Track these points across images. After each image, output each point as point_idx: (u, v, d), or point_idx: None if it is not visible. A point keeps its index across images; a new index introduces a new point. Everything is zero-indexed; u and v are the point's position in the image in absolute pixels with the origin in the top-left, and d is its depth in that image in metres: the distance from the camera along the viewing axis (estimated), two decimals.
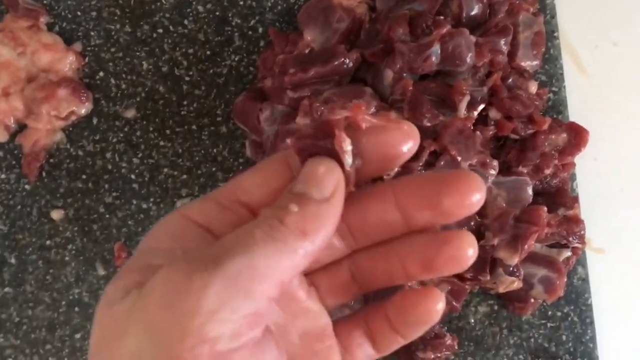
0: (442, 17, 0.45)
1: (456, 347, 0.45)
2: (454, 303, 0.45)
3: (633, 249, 0.48)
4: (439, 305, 0.28)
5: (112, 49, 0.50)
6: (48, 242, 0.48)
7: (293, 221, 0.25)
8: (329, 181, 0.26)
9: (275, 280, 0.25)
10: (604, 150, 0.49)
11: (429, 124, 0.43)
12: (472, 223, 0.45)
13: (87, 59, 0.50)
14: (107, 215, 0.48)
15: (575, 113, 0.49)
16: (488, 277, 0.44)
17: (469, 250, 0.27)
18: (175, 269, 0.25)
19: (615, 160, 0.49)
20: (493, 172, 0.44)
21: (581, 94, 0.50)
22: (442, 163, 0.43)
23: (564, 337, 0.46)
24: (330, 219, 0.26)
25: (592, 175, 0.49)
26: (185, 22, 0.50)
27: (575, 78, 0.50)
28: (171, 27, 0.50)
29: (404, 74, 0.44)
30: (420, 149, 0.43)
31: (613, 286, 0.48)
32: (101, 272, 0.48)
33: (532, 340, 0.46)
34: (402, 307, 0.29)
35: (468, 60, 0.44)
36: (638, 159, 0.49)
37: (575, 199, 0.46)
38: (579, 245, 0.45)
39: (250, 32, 0.50)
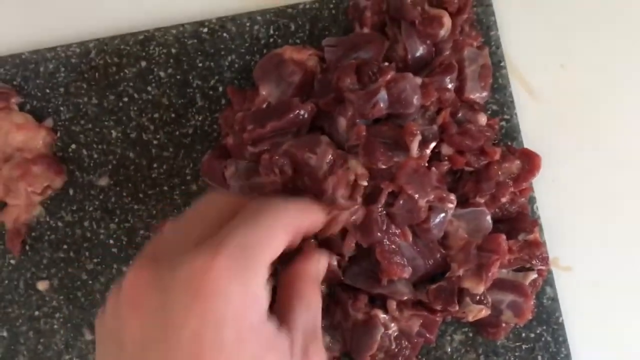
0: (387, 64, 0.47)
1: None
2: (428, 335, 0.47)
3: (598, 264, 0.49)
4: None
5: (82, 122, 0.52)
6: (37, 313, 0.50)
7: None
8: None
9: None
10: (562, 170, 0.51)
11: (384, 167, 0.45)
12: (438, 255, 0.47)
13: (58, 133, 0.52)
14: (90, 282, 0.50)
15: (531, 137, 0.51)
16: (457, 308, 0.45)
17: None
18: None
19: (573, 179, 0.50)
20: (451, 205, 0.45)
21: (534, 118, 0.51)
22: (400, 202, 0.45)
23: (539, 358, 0.47)
24: None
25: (552, 196, 0.50)
26: (149, 88, 0.52)
27: (527, 104, 0.52)
28: (136, 95, 0.52)
29: (357, 120, 0.46)
30: (379, 191, 0.45)
31: (583, 302, 0.49)
32: (89, 337, 0.50)
33: None
34: None
35: (415, 102, 0.46)
36: (595, 176, 0.50)
37: (535, 223, 0.47)
38: (543, 267, 0.47)
39: (211, 92, 0.52)
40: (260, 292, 0.34)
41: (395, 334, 0.47)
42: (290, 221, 0.39)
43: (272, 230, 0.37)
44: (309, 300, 0.39)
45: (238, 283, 0.33)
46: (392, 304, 0.47)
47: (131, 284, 0.34)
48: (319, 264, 0.42)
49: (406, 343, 0.47)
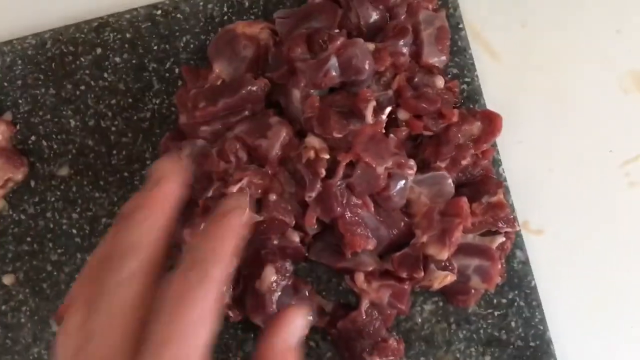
0: (337, 31, 0.46)
1: (402, 351, 0.45)
2: (399, 305, 0.46)
3: (570, 226, 0.48)
4: None
5: (40, 113, 0.52)
6: (3, 307, 0.50)
7: None
8: None
9: None
10: (528, 132, 0.49)
11: (339, 135, 0.44)
12: (402, 224, 0.46)
13: (18, 126, 0.52)
14: (55, 273, 0.50)
15: (494, 100, 0.49)
16: (422, 274, 0.44)
17: None
18: None
19: (540, 140, 0.49)
20: (411, 171, 0.44)
21: (497, 80, 0.50)
22: (358, 172, 0.44)
23: (513, 324, 0.46)
24: None
25: (519, 159, 0.49)
26: (105, 74, 0.52)
27: (488, 65, 0.50)
28: (92, 82, 0.52)
29: (311, 91, 0.45)
30: (336, 163, 0.44)
31: (556, 265, 0.47)
32: (55, 328, 0.49)
33: (482, 331, 0.46)
34: None
35: (366, 67, 0.44)
36: (562, 137, 0.49)
37: (499, 184, 0.46)
38: (510, 229, 0.45)
39: (167, 74, 0.52)
40: None
41: (366, 306, 0.46)
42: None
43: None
44: None
45: None
46: (360, 277, 0.46)
47: None
48: (297, 325, 0.35)
49: (376, 314, 0.46)
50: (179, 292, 0.30)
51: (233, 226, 0.34)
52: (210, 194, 0.45)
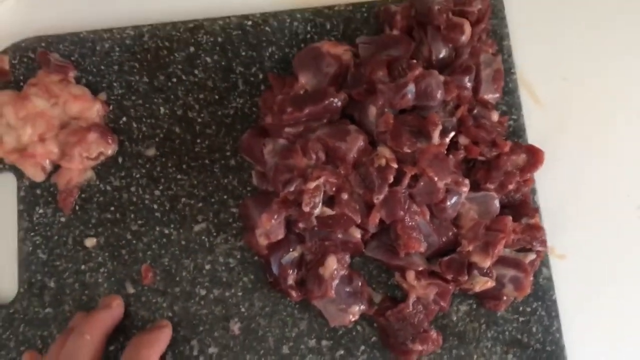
0: (415, 61, 0.53)
1: (441, 342, 0.52)
2: (442, 303, 0.53)
3: (589, 253, 0.55)
4: None
5: (133, 97, 0.58)
6: (83, 267, 0.55)
7: None
8: None
9: None
10: (561, 169, 0.57)
11: (408, 150, 0.51)
12: (450, 233, 0.53)
13: (111, 106, 0.58)
14: (134, 241, 0.55)
15: (534, 138, 0.57)
16: (466, 278, 0.51)
17: None
18: None
19: (571, 177, 0.57)
20: (465, 189, 0.51)
21: (538, 122, 0.58)
22: (421, 184, 0.51)
23: (533, 329, 0.53)
24: None
25: (552, 193, 0.56)
26: (196, 71, 0.58)
27: (532, 108, 0.58)
28: (184, 77, 0.58)
29: (386, 109, 0.52)
30: (402, 174, 0.51)
31: (574, 284, 0.55)
32: (131, 290, 0.54)
33: (507, 333, 0.54)
34: None
35: (438, 96, 0.52)
36: (590, 176, 0.57)
37: (536, 210, 0.54)
38: (542, 249, 0.53)
39: (252, 78, 0.58)
40: None
41: (414, 300, 0.52)
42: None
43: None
44: None
45: None
46: (411, 274, 0.52)
47: None
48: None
49: (421, 308, 0.52)
50: None
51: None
52: (292, 188, 0.51)
